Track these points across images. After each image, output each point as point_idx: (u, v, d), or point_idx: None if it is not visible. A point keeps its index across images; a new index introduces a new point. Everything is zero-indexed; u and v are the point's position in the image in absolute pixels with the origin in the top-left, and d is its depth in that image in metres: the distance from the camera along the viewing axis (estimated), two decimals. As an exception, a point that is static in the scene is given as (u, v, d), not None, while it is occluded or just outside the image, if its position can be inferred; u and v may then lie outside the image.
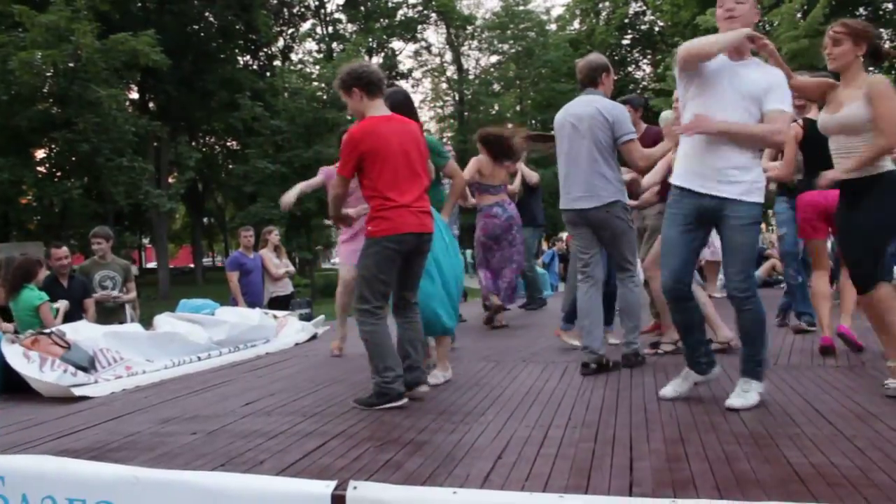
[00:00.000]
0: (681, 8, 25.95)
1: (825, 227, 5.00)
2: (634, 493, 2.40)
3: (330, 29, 36.93)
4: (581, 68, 4.82)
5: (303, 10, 36.66)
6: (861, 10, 27.44)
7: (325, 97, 26.34)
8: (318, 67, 30.68)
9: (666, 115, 5.89)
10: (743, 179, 3.47)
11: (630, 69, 36.12)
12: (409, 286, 4.06)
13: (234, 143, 33.58)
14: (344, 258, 5.58)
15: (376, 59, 36.74)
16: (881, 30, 29.07)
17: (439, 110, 40.15)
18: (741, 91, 3.47)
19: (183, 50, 27.01)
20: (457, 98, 38.22)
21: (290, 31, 36.85)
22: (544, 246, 10.79)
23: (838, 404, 3.52)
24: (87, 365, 4.91)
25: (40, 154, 24.03)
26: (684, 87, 3.60)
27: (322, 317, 8.32)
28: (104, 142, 21.04)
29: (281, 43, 35.93)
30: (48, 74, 21.07)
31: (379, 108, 3.99)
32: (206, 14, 30.07)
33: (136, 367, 5.20)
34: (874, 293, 3.57)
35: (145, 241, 41.81)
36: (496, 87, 38.40)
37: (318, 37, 37.05)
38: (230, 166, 32.02)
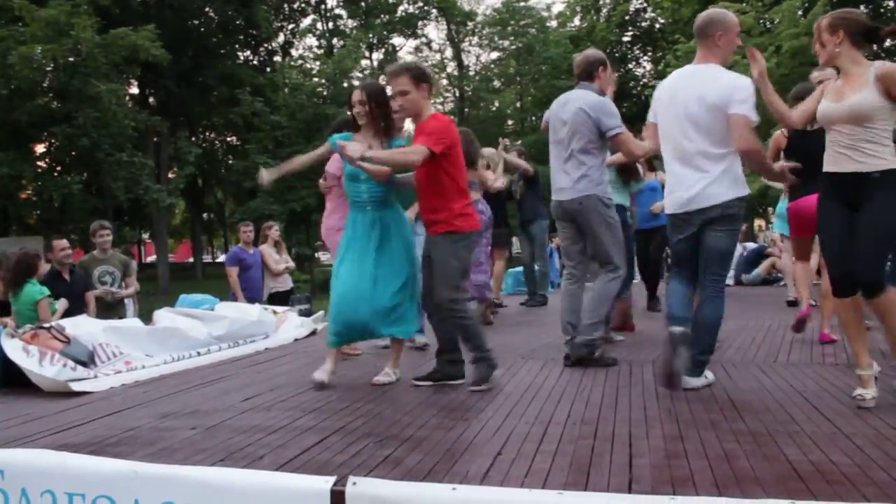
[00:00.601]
0: (682, 5, 25.92)
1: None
2: (633, 490, 2.40)
3: (330, 25, 36.89)
4: (578, 62, 4.89)
5: (303, 5, 36.62)
6: (862, 7, 27.41)
7: (325, 93, 26.33)
8: (318, 63, 30.67)
9: None
10: None
11: (630, 66, 36.04)
12: None
13: (233, 138, 33.58)
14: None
15: (377, 56, 36.75)
16: (883, 27, 29.04)
17: (439, 106, 40.11)
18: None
19: (183, 45, 26.99)
20: (457, 94, 38.17)
21: (290, 26, 36.81)
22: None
23: (837, 402, 3.53)
24: (87, 360, 4.90)
25: (40, 149, 24.06)
26: None
27: (322, 312, 8.30)
28: (104, 137, 21.05)
29: (281, 38, 35.91)
30: (48, 69, 21.08)
31: (430, 109, 4.25)
32: (207, 9, 30.04)
33: (135, 362, 5.20)
34: (887, 295, 3.41)
35: (145, 236, 41.83)
36: (496, 83, 38.37)
37: (318, 32, 37.03)
38: (230, 162, 32.01)
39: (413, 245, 4.41)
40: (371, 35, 35.46)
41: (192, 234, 39.55)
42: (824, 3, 19.37)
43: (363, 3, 36.45)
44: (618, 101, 5.47)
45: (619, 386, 4.10)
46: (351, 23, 37.02)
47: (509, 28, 36.65)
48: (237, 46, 32.62)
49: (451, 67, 39.40)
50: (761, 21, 21.41)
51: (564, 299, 4.96)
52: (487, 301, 6.98)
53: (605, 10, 35.84)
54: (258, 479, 2.54)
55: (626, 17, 35.00)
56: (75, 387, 4.45)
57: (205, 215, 42.40)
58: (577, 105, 4.68)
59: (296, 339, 6.65)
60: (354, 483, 2.39)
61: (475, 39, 39.15)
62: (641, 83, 33.49)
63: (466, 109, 37.02)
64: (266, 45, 34.39)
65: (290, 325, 7.05)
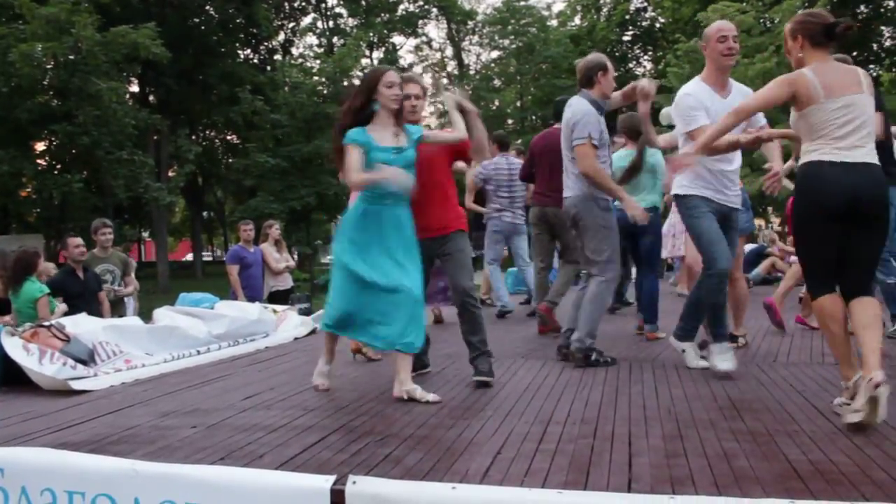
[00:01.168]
0: (682, 4, 25.97)
1: None
2: (633, 489, 2.40)
3: (331, 23, 36.87)
4: (578, 69, 4.96)
5: (303, 4, 36.60)
6: (862, 7, 27.41)
7: (325, 91, 26.31)
8: (318, 62, 30.65)
9: (666, 112, 5.91)
10: None
11: (631, 66, 36.06)
12: None
13: (234, 136, 33.58)
14: None
15: (377, 54, 36.71)
16: (882, 27, 29.07)
17: (440, 105, 40.09)
18: None
19: (183, 43, 26.98)
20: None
21: (290, 25, 36.81)
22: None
23: (837, 402, 3.53)
24: (87, 358, 4.91)
25: (40, 146, 24.05)
26: None
27: (321, 311, 8.30)
28: (104, 135, 21.03)
29: (281, 37, 35.90)
30: (48, 67, 21.07)
31: None
32: (207, 7, 30.04)
33: (135, 361, 5.20)
34: (870, 300, 3.33)
35: (145, 234, 41.81)
36: (497, 82, 38.34)
37: (318, 31, 37.01)
38: (230, 160, 32.01)
39: None
40: (371, 34, 35.43)
41: (192, 233, 39.53)
42: (824, 2, 19.41)
43: (364, 2, 36.43)
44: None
45: (619, 385, 4.10)
46: (351, 21, 36.99)
47: (510, 27, 36.62)
48: (237, 45, 32.59)
49: (452, 66, 39.40)
50: (761, 20, 21.44)
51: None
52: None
53: (605, 10, 35.87)
54: (258, 478, 2.54)
55: (627, 17, 35.03)
56: (75, 385, 4.46)
57: (205, 214, 42.40)
58: (567, 113, 4.85)
59: (295, 338, 6.65)
60: (354, 482, 2.39)
61: (475, 38, 39.15)
62: (641, 83, 33.45)
63: (467, 108, 36.91)
64: (266, 43, 34.39)
65: (289, 323, 7.06)
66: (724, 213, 4.45)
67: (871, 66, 28.46)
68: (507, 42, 37.58)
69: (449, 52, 39.46)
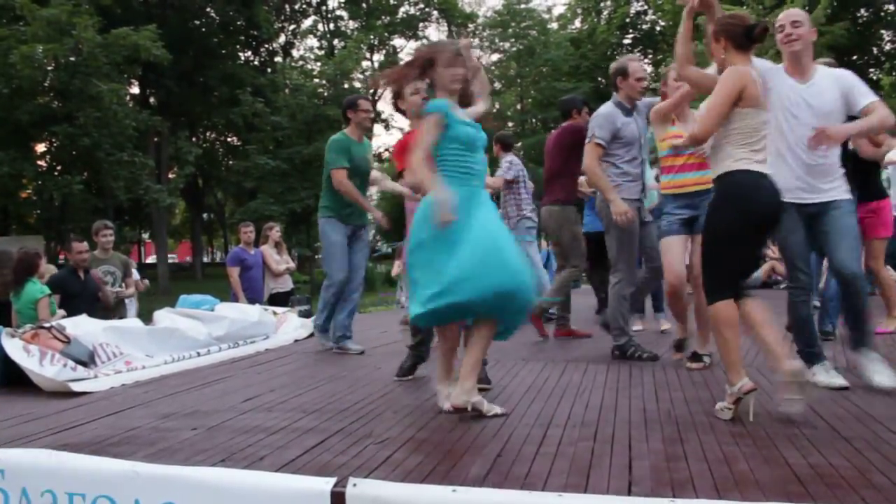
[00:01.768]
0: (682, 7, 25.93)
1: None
2: (633, 492, 2.40)
3: (331, 26, 36.92)
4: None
5: (304, 6, 36.65)
6: (862, 10, 27.43)
7: (325, 94, 26.34)
8: (319, 64, 30.69)
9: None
10: None
11: (631, 68, 36.07)
12: None
13: (234, 138, 33.60)
14: None
15: (377, 57, 36.76)
16: (882, 31, 29.07)
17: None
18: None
19: (184, 45, 27.02)
20: (457, 95, 38.16)
21: (291, 27, 36.84)
22: (543, 245, 10.70)
23: (836, 405, 3.53)
24: (87, 359, 4.91)
25: (41, 148, 24.07)
26: None
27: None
28: (105, 136, 21.06)
29: (282, 39, 35.94)
30: (49, 68, 21.10)
31: None
32: (208, 9, 30.08)
33: (135, 363, 5.20)
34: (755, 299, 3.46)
35: (145, 236, 41.81)
36: (497, 85, 38.35)
37: (319, 33, 37.09)
38: (230, 162, 32.03)
39: None
40: (372, 36, 35.50)
41: (192, 235, 39.53)
42: (825, 4, 19.40)
43: (364, 5, 36.49)
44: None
45: (619, 388, 4.10)
46: (352, 24, 37.07)
47: (510, 30, 36.70)
48: (238, 47, 32.63)
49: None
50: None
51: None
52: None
53: (605, 13, 35.93)
54: (259, 480, 2.54)
55: (627, 20, 35.09)
56: (75, 387, 4.46)
57: (205, 216, 42.41)
58: None
59: (296, 340, 6.65)
60: (355, 484, 2.39)
61: (476, 41, 39.15)
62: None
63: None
64: (267, 45, 34.42)
65: (289, 326, 7.06)
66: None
67: (871, 69, 28.48)
68: (507, 45, 37.67)
69: (449, 54, 39.44)
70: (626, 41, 36.04)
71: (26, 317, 5.81)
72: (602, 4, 36.16)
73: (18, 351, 4.63)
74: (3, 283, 6.06)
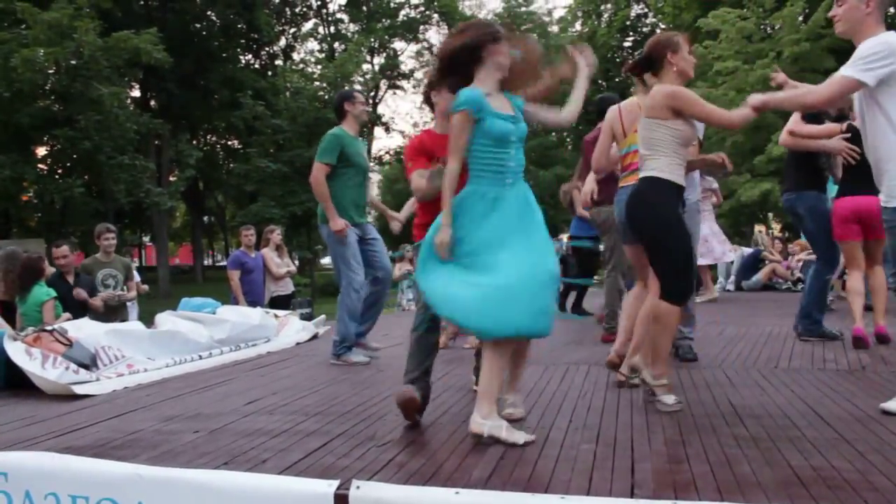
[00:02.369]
0: (682, 10, 25.98)
1: (859, 228, 5.22)
2: (636, 494, 2.40)
3: (332, 29, 36.96)
4: None
5: (305, 9, 36.70)
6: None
7: (326, 97, 26.36)
8: (319, 67, 30.71)
9: None
10: None
11: (631, 71, 36.10)
12: None
13: (235, 141, 33.64)
14: None
15: (378, 60, 36.77)
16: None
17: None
18: None
19: (185, 48, 27.05)
20: (458, 98, 38.18)
21: (292, 30, 36.89)
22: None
23: (839, 408, 3.53)
24: (89, 362, 4.92)
25: (42, 151, 24.08)
26: None
27: (323, 316, 8.32)
28: (105, 139, 21.07)
29: (283, 42, 35.99)
30: (50, 72, 21.11)
31: None
32: (209, 13, 30.12)
33: (137, 365, 5.21)
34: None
35: (145, 239, 41.82)
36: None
37: (319, 36, 37.10)
38: (231, 165, 32.04)
39: None
40: (373, 39, 35.53)
41: (193, 238, 39.56)
42: (825, 8, 19.41)
43: (365, 8, 36.52)
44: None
45: (621, 391, 4.10)
46: (353, 27, 37.10)
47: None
48: (239, 50, 32.66)
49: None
50: (762, 27, 21.45)
51: None
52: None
53: (606, 16, 35.94)
54: (261, 483, 2.54)
55: (627, 23, 35.10)
56: (77, 390, 4.46)
57: (205, 219, 42.43)
58: None
59: (297, 343, 6.67)
60: (358, 487, 2.40)
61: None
62: (642, 88, 33.50)
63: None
64: (268, 48, 34.47)
65: (291, 328, 7.08)
66: None
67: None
68: (507, 47, 37.61)
69: (450, 57, 39.48)
70: (627, 44, 36.05)
71: (32, 319, 5.81)
72: (602, 7, 36.17)
73: (21, 354, 4.64)
74: (11, 283, 6.06)
